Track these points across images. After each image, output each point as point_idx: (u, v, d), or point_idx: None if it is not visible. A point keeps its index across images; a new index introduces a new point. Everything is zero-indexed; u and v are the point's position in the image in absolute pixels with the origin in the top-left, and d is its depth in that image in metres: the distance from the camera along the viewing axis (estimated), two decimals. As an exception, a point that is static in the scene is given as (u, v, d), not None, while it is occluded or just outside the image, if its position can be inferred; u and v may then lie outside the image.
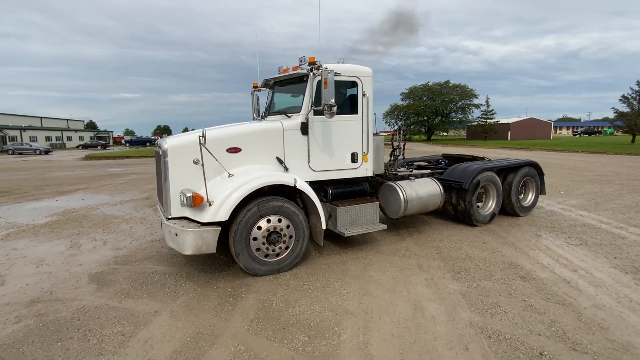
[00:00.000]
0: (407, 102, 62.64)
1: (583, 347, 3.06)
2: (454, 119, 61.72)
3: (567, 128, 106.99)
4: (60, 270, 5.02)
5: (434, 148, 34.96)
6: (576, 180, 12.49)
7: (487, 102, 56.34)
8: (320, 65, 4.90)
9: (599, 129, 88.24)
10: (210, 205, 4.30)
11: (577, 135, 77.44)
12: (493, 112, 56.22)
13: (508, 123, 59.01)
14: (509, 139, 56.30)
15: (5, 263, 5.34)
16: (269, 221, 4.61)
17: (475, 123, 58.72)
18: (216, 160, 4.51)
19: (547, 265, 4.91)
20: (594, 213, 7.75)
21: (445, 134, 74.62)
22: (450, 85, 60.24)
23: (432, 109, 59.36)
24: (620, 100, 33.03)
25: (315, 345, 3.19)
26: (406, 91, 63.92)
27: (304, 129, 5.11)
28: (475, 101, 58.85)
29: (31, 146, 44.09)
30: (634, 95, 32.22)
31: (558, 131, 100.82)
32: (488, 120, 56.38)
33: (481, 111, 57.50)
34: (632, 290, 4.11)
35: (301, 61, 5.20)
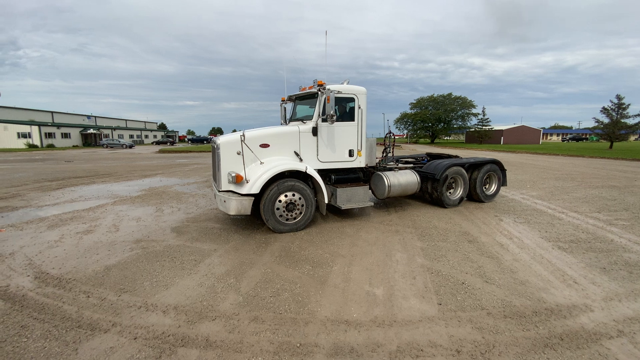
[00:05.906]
0: (415, 110, 61.62)
1: (493, 281, 3.73)
2: (455, 126, 60.13)
3: (557, 135, 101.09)
4: (152, 224, 6.12)
5: (433, 149, 34.54)
6: (544, 177, 12.49)
7: (483, 111, 54.71)
8: (326, 87, 5.65)
9: (586, 136, 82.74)
10: (247, 182, 5.16)
11: (566, 141, 73.09)
12: (488, 120, 54.57)
13: (502, 129, 56.86)
14: (501, 143, 54.32)
15: (117, 218, 6.55)
16: (286, 196, 5.42)
17: (473, 129, 57.05)
18: (252, 152, 5.36)
19: (491, 234, 5.47)
20: (547, 202, 8.04)
21: (447, 137, 72.84)
22: (452, 96, 58.72)
23: (435, 117, 58.08)
24: (601, 111, 31.31)
25: (316, 271, 4.04)
26: (414, 101, 62.92)
27: (314, 131, 5.82)
28: (474, 110, 57.18)
29: (119, 142, 46.63)
30: (614, 107, 30.43)
31: (548, 137, 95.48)
32: (484, 127, 54.68)
33: (478, 119, 55.86)
34: (547, 252, 4.65)
35: (314, 83, 5.95)
